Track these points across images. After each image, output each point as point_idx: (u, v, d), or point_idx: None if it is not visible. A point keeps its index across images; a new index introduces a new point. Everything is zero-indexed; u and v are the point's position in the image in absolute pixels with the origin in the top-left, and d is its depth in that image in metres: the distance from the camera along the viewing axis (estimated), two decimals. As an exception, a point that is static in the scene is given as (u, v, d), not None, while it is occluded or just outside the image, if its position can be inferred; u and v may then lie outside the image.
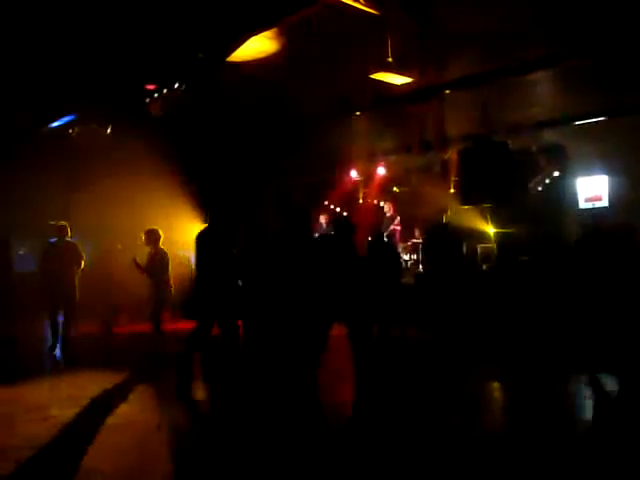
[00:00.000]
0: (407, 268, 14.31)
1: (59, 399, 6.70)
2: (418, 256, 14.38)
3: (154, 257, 9.57)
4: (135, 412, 6.15)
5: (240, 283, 7.31)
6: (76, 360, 9.13)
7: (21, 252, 16.52)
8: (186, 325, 11.70)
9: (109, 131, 13.82)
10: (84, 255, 10.50)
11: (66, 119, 13.00)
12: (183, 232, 12.82)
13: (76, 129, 13.76)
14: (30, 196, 15.19)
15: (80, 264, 10.31)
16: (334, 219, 7.56)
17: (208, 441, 5.06)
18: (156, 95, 11.96)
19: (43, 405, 6.30)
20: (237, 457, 4.68)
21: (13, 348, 9.99)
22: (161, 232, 9.81)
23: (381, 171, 15.97)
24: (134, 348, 10.22)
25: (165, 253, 9.64)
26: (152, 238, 9.62)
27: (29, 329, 11.48)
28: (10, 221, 14.43)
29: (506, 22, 10.16)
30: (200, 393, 7.04)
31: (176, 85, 11.60)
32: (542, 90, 11.64)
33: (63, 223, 10.36)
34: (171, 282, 9.71)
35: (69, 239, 10.33)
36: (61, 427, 5.50)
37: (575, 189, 13.04)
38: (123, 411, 6.14)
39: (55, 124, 13.04)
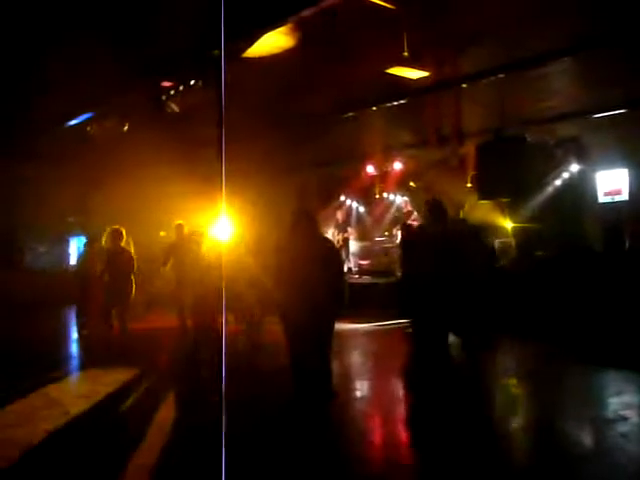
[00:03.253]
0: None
1: (78, 395, 6.74)
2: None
3: (116, 256, 9.60)
4: (154, 408, 6.16)
5: None
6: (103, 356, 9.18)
7: (42, 249, 16.61)
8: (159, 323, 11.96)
9: (126, 128, 13.89)
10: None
11: (84, 116, 13.06)
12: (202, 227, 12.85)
13: (94, 126, 13.84)
14: (48, 192, 15.32)
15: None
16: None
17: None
18: (172, 92, 11.99)
19: (63, 401, 6.35)
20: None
21: (30, 345, 10.06)
22: (124, 232, 9.94)
23: (397, 166, 15.93)
24: (148, 345, 10.26)
25: (129, 252, 9.66)
26: (115, 238, 9.66)
27: (42, 326, 11.57)
28: (25, 217, 14.54)
29: (524, 13, 10.06)
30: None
31: (192, 82, 11.62)
32: (560, 83, 11.51)
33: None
34: (133, 281, 9.75)
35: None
36: (80, 422, 5.54)
37: (594, 183, 12.92)
38: (143, 407, 6.18)
39: (73, 121, 13.11)
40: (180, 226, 10.52)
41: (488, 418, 5.63)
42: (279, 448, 4.77)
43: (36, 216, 15.60)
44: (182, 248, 10.12)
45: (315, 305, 5.62)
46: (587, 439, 5.11)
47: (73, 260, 14.21)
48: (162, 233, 14.95)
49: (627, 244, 10.36)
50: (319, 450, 4.74)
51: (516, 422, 5.60)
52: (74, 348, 10.51)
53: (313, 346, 5.79)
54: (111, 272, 9.52)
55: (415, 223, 14.54)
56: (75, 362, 9.30)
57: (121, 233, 9.69)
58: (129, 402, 6.37)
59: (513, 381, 7.11)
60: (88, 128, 13.84)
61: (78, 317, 11.29)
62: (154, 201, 15.11)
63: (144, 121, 12.95)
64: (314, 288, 5.64)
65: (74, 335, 11.33)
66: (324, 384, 5.83)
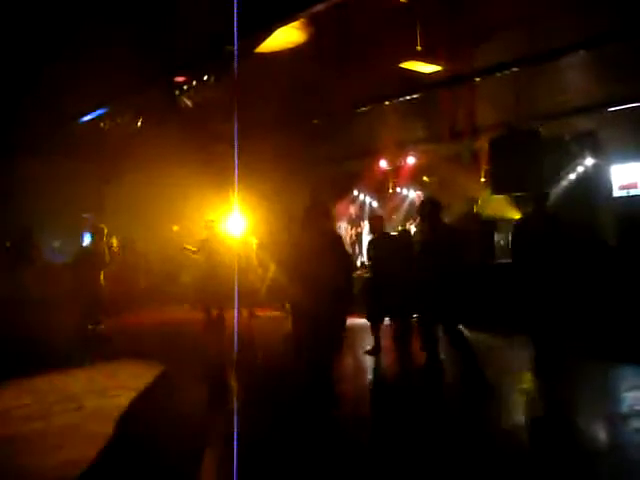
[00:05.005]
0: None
1: (92, 390, 6.79)
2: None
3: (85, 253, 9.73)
4: (167, 402, 6.21)
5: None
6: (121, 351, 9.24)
7: (56, 244, 16.71)
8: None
9: (140, 124, 13.96)
10: None
11: (98, 112, 13.14)
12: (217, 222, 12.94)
13: (107, 121, 13.91)
14: (62, 189, 15.42)
15: None
16: (422, 200, 7.29)
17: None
18: (186, 87, 12.04)
19: (77, 395, 6.40)
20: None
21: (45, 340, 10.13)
22: (105, 228, 10.12)
23: (410, 161, 15.90)
24: (161, 339, 10.32)
25: (103, 249, 9.78)
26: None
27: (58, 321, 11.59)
28: (40, 214, 14.64)
29: (538, 6, 10.01)
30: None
31: (205, 77, 11.66)
32: (575, 76, 11.42)
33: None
34: (101, 279, 9.86)
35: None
36: (94, 417, 5.59)
37: (609, 176, 12.82)
38: (156, 401, 6.23)
39: (87, 117, 13.18)
40: (211, 222, 10.71)
41: (496, 414, 5.64)
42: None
43: (51, 212, 15.71)
44: (213, 244, 10.41)
45: (324, 299, 5.63)
46: (601, 434, 5.10)
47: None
48: (175, 228, 15.05)
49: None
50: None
51: (527, 417, 5.59)
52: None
53: (319, 342, 5.81)
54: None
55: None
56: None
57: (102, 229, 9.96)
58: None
59: (526, 376, 7.10)
60: (102, 124, 13.93)
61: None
62: (168, 196, 15.19)
63: (158, 117, 13.02)
64: (324, 282, 5.66)
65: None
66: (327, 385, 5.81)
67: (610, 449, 4.63)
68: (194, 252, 10.64)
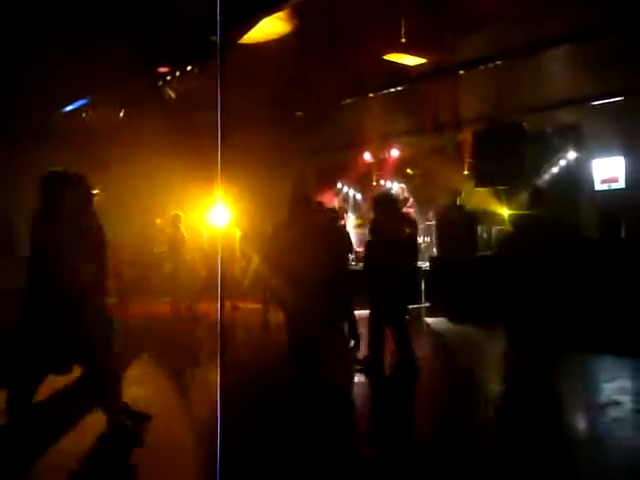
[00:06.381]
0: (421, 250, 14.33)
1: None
2: (432, 238, 14.37)
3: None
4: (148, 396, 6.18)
5: None
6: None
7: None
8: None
9: (122, 114, 13.85)
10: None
11: (79, 102, 13.02)
12: (199, 214, 12.90)
13: (90, 112, 13.79)
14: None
15: None
16: (377, 195, 7.26)
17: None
18: (169, 78, 11.96)
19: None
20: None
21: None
22: None
23: (394, 153, 15.93)
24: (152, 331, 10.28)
25: None
26: None
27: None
28: (22, 204, 14.50)
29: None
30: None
31: (189, 68, 11.58)
32: (558, 69, 11.49)
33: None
34: None
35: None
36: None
37: (591, 170, 12.92)
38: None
39: (70, 107, 13.06)
40: (177, 216, 10.78)
41: (480, 402, 5.69)
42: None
43: (33, 203, 15.54)
44: (178, 237, 10.69)
45: (316, 291, 5.63)
46: (581, 424, 5.16)
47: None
48: (158, 221, 14.94)
49: (623, 232, 10.37)
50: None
51: (501, 408, 5.64)
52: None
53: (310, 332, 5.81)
54: None
55: (412, 210, 14.57)
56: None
57: None
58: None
59: (504, 367, 7.16)
60: (84, 114, 13.80)
61: None
62: (152, 188, 15.09)
63: (141, 107, 12.92)
64: (314, 273, 5.66)
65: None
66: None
67: (588, 439, 4.70)
68: (163, 252, 10.89)
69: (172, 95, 12.25)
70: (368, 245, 6.90)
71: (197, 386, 6.52)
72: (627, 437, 4.56)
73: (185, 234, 10.82)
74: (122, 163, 14.26)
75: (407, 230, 7.30)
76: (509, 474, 3.96)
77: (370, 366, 6.63)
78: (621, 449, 4.35)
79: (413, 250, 6.97)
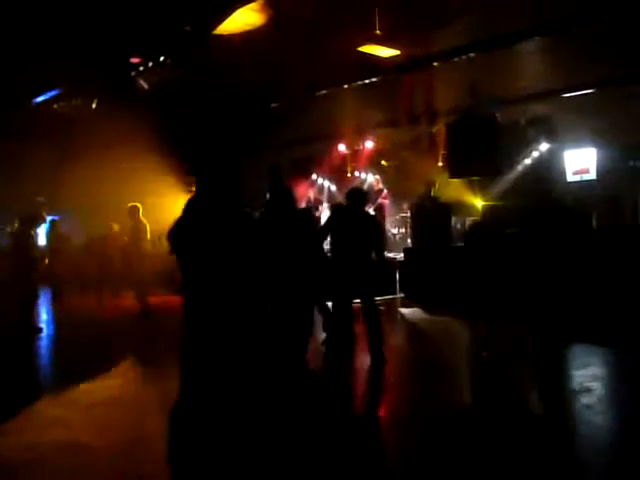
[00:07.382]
0: (395, 242, 14.43)
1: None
2: (406, 229, 14.45)
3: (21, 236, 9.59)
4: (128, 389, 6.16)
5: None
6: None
7: (8, 229, 16.24)
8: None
9: (94, 105, 13.66)
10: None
11: (50, 93, 12.82)
12: (172, 208, 12.78)
13: (61, 103, 13.59)
14: (15, 172, 15.04)
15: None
16: (349, 190, 7.34)
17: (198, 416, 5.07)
18: (142, 68, 11.82)
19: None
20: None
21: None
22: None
23: (369, 145, 15.98)
24: (133, 326, 10.21)
25: (30, 233, 9.64)
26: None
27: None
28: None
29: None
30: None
31: (162, 58, 11.46)
32: (531, 62, 11.61)
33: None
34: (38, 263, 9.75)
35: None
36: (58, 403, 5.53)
37: (563, 161, 13.09)
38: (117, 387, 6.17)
39: (39, 98, 12.86)
40: (134, 207, 10.64)
41: (444, 393, 5.76)
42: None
43: (3, 196, 15.29)
44: (140, 228, 10.61)
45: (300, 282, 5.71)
46: (553, 410, 5.24)
47: (42, 239, 14.00)
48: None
49: (594, 223, 10.53)
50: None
51: (477, 395, 5.71)
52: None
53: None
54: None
55: (386, 201, 14.62)
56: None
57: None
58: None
59: (478, 356, 7.24)
60: (55, 106, 13.60)
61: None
62: (122, 180, 14.91)
63: (113, 98, 12.76)
64: (297, 265, 5.71)
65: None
66: None
67: (559, 424, 4.77)
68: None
69: (145, 86, 12.12)
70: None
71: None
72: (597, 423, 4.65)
73: (147, 225, 10.58)
74: (94, 154, 14.09)
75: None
76: (475, 460, 4.02)
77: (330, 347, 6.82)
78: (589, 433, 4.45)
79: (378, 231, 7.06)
